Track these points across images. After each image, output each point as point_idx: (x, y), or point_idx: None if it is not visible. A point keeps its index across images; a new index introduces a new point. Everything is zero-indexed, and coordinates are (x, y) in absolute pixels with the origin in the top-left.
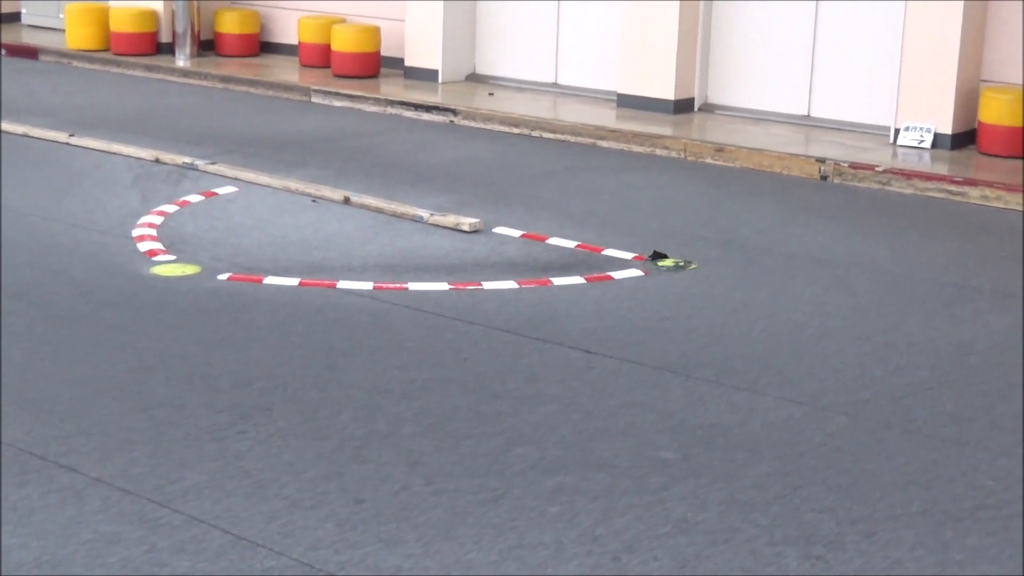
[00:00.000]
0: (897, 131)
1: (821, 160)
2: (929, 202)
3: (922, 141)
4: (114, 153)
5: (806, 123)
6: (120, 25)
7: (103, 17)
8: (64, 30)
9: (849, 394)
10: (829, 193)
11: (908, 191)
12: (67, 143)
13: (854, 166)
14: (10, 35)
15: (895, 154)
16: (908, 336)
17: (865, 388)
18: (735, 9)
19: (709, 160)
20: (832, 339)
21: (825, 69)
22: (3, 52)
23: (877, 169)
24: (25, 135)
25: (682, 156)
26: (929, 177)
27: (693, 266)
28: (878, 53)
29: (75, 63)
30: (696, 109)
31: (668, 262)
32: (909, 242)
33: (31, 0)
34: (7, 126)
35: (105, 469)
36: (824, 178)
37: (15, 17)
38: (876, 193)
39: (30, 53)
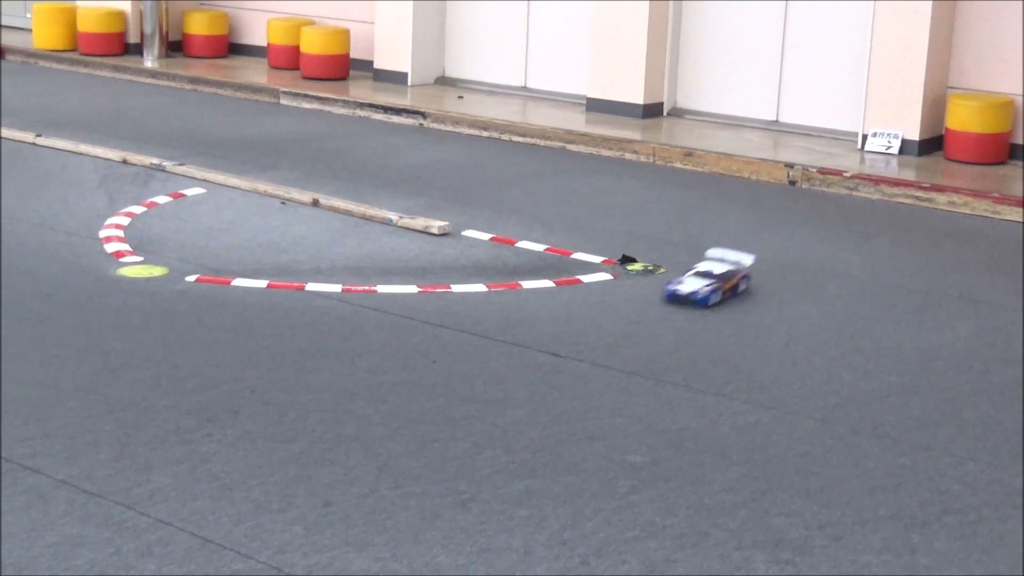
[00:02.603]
0: (865, 137)
1: (790, 165)
2: (896, 208)
3: (890, 147)
4: (81, 154)
5: (775, 128)
6: (88, 25)
7: (70, 17)
8: (31, 30)
9: (817, 399)
10: (797, 198)
11: (876, 197)
12: (34, 143)
13: (822, 171)
14: None
15: (863, 160)
16: (875, 341)
17: (833, 393)
18: (704, 15)
19: (678, 164)
20: (800, 344)
21: (794, 75)
22: None
23: (845, 174)
24: None
25: (651, 160)
26: (897, 183)
27: (662, 270)
28: (846, 59)
29: (42, 63)
30: (665, 113)
31: (637, 266)
32: (877, 247)
33: None
34: None
35: (71, 471)
36: (792, 183)
37: None
38: (844, 198)
39: None
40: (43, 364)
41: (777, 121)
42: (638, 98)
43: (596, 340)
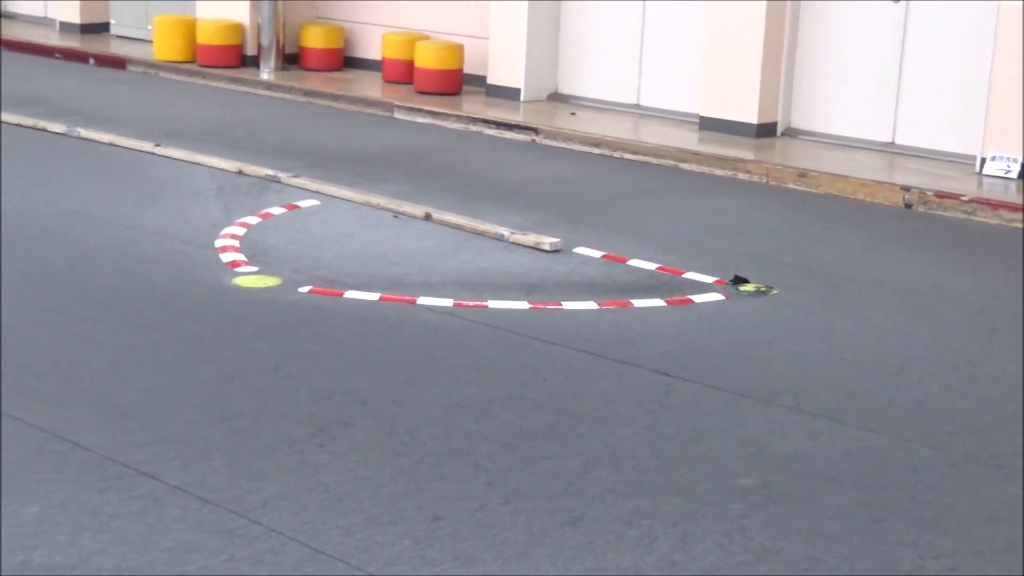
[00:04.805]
0: (983, 160)
1: (906, 188)
2: (1015, 233)
3: (1009, 171)
4: (198, 164)
5: (890, 150)
6: (206, 37)
7: (190, 29)
8: (152, 41)
9: (932, 426)
10: (913, 222)
11: (994, 221)
12: (153, 153)
13: (939, 195)
14: (99, 45)
15: (981, 184)
16: (992, 369)
17: (949, 420)
18: (820, 35)
19: (791, 185)
20: (915, 370)
21: (911, 97)
22: (91, 61)
23: (963, 198)
24: (112, 144)
25: (764, 181)
26: (1015, 208)
27: (774, 292)
28: (965, 81)
29: (162, 74)
30: (779, 134)
31: (749, 287)
32: (994, 273)
33: (119, 1)
34: (94, 134)
35: (184, 478)
36: (908, 206)
37: (104, 27)
38: (961, 223)
39: (118, 63)
40: (159, 371)
41: (893, 143)
42: (752, 117)
43: (707, 361)
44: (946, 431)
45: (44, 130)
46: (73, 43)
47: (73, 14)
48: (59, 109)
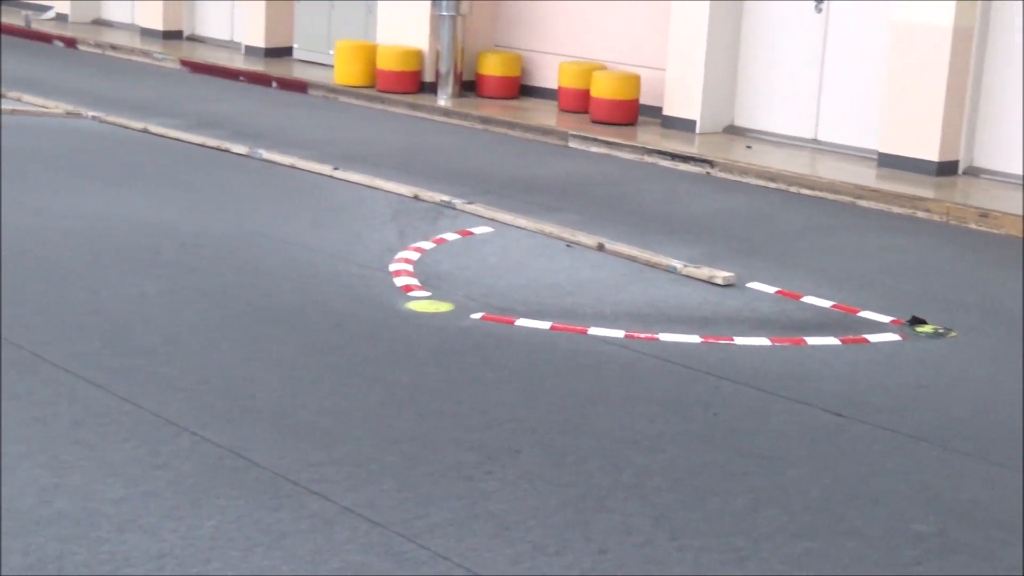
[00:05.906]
0: None
1: None
2: None
3: None
4: (375, 188)
5: None
6: (386, 63)
7: (370, 55)
8: (333, 66)
9: None
10: None
11: None
12: (331, 176)
13: None
14: (282, 69)
15: None
16: None
17: None
18: (1006, 73)
19: (973, 225)
20: None
21: None
22: (274, 85)
23: None
24: (292, 166)
25: (944, 220)
26: None
27: (953, 334)
28: None
29: (341, 98)
30: (960, 172)
31: (927, 328)
32: None
33: (303, 27)
34: (275, 156)
35: (354, 499)
36: None
37: (287, 52)
38: None
39: (300, 87)
40: (332, 392)
41: None
42: (933, 155)
43: (882, 402)
44: None
45: (228, 151)
46: (257, 67)
47: (258, 38)
48: (242, 131)
